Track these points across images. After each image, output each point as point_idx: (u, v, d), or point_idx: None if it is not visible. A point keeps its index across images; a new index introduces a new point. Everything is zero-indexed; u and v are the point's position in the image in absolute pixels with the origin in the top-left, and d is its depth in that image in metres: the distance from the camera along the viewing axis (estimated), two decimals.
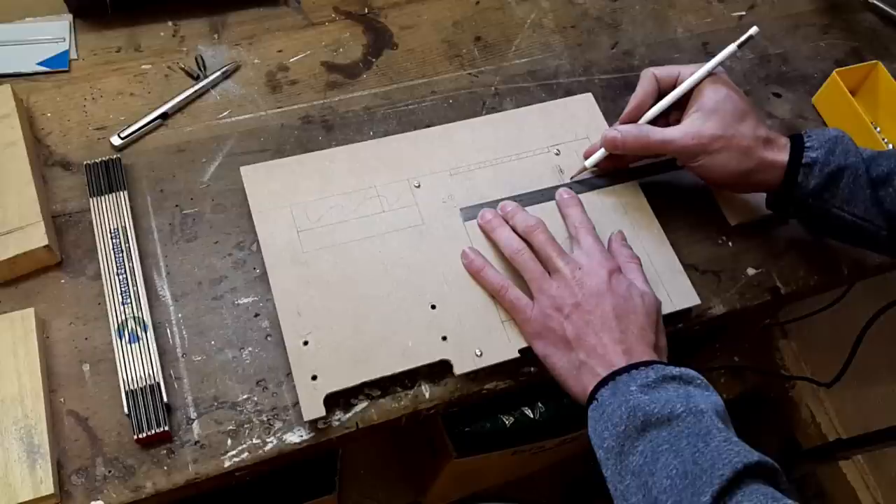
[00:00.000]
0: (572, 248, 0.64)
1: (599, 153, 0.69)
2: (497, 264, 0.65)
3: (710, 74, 0.66)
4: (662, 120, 0.69)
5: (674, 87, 0.68)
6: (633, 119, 0.69)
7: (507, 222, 0.66)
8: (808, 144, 0.63)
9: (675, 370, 0.55)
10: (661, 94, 0.68)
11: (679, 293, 0.66)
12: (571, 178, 0.71)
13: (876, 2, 0.90)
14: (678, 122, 0.67)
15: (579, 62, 0.82)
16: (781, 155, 0.64)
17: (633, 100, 0.68)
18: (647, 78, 0.68)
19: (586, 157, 0.71)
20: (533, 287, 0.62)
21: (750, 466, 0.48)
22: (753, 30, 0.66)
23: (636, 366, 0.55)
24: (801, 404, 1.47)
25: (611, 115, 0.76)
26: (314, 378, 0.59)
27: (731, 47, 0.67)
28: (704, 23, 0.87)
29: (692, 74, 0.67)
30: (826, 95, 0.81)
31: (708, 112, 0.64)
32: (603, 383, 0.55)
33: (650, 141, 0.65)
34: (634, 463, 0.51)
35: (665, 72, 0.68)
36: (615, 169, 0.71)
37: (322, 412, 0.58)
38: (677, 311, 0.66)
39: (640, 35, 0.85)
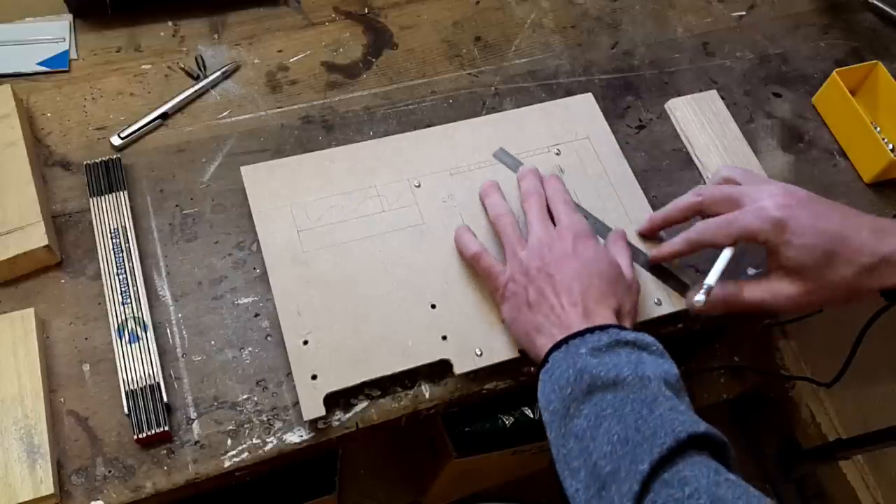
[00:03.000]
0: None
1: (670, 248, 0.65)
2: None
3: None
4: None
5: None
6: (662, 223, 0.66)
7: (520, 183, 0.66)
8: None
9: (631, 335, 0.54)
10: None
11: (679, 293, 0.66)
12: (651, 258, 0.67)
13: (876, 2, 0.90)
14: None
15: (579, 62, 0.82)
16: None
17: (671, 210, 0.65)
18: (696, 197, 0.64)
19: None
20: (507, 252, 0.62)
21: (696, 437, 0.47)
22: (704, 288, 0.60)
23: (591, 329, 0.54)
24: (801, 404, 1.47)
25: (611, 115, 0.76)
26: (314, 378, 0.59)
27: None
28: (704, 23, 0.87)
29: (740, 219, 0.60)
30: (826, 95, 0.81)
31: (790, 271, 0.59)
32: (556, 347, 0.55)
33: (744, 302, 0.61)
34: (578, 426, 0.50)
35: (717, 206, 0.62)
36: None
37: (322, 412, 0.58)
38: (677, 310, 0.66)
39: (640, 35, 0.85)
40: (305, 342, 0.60)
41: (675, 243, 0.64)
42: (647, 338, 0.54)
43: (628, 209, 0.70)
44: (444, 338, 0.62)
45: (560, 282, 0.58)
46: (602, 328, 0.54)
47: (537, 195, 0.65)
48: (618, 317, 0.57)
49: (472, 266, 0.64)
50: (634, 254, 0.66)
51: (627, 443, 0.47)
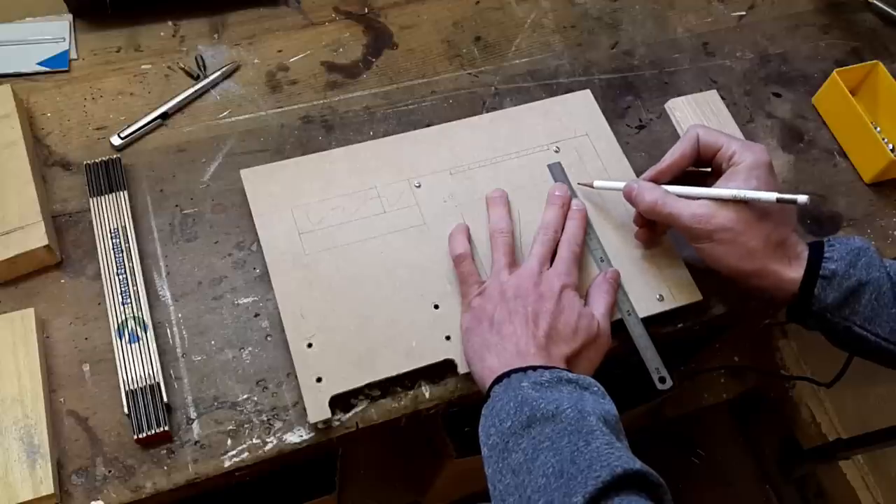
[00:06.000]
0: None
1: (612, 183, 0.67)
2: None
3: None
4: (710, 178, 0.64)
5: (713, 157, 0.63)
6: (661, 177, 0.64)
7: (546, 207, 0.66)
8: (827, 255, 0.59)
9: (573, 375, 0.55)
10: (700, 159, 0.64)
11: (681, 289, 0.66)
12: (578, 183, 0.70)
13: (876, 2, 0.90)
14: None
15: (579, 62, 0.82)
16: (791, 267, 0.60)
17: (669, 157, 0.64)
18: (690, 138, 0.64)
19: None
20: (493, 268, 0.63)
21: (631, 473, 0.46)
22: (802, 198, 0.58)
23: (534, 367, 0.55)
24: (801, 404, 1.47)
25: (611, 115, 0.76)
26: (319, 380, 0.59)
27: (770, 195, 0.59)
28: (704, 23, 0.87)
29: (734, 153, 0.61)
30: (826, 95, 0.81)
31: (730, 201, 0.60)
32: (498, 381, 0.55)
33: (658, 208, 0.62)
34: (515, 460, 0.50)
35: (710, 138, 0.63)
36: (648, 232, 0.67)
37: (327, 414, 0.58)
38: (678, 307, 0.66)
39: (640, 35, 0.85)
40: (309, 345, 0.60)
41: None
42: (590, 380, 0.55)
43: (628, 205, 0.70)
44: (448, 338, 0.62)
45: (531, 314, 0.58)
46: (546, 367, 0.55)
47: (553, 232, 0.64)
48: (570, 363, 0.58)
49: (454, 266, 0.64)
50: (620, 302, 0.65)
51: (562, 475, 0.47)
